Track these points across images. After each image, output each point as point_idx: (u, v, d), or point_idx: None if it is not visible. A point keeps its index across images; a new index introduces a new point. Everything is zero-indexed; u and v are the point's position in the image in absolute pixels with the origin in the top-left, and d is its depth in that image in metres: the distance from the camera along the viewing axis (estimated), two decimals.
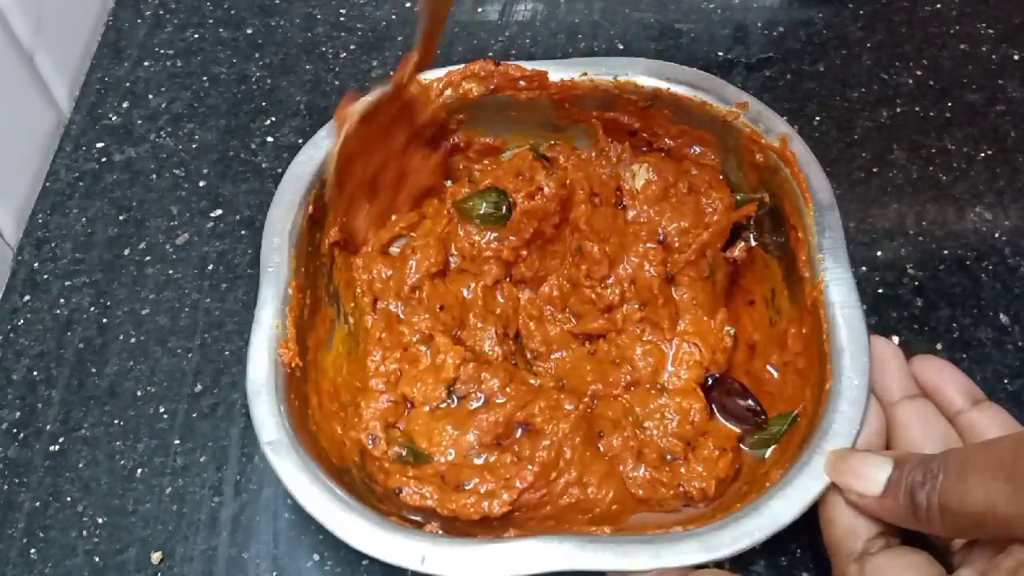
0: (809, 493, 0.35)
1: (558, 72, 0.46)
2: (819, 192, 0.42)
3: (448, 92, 0.47)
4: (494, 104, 0.48)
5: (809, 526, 0.35)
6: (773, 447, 0.40)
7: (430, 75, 0.46)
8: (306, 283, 0.42)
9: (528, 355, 0.45)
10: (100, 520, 0.42)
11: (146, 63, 0.59)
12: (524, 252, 0.45)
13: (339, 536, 0.34)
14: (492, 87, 0.47)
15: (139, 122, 0.56)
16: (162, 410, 0.45)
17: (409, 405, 0.42)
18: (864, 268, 0.48)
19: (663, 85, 0.46)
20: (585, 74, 0.46)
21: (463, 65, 0.46)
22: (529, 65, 0.46)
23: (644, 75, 0.46)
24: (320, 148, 0.44)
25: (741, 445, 0.41)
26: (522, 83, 0.47)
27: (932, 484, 0.31)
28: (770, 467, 0.39)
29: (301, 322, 0.41)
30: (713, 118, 0.45)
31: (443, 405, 0.42)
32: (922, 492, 0.32)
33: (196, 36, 0.60)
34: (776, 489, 0.35)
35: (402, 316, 0.45)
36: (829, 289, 0.39)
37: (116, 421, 0.45)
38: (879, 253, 0.49)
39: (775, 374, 0.43)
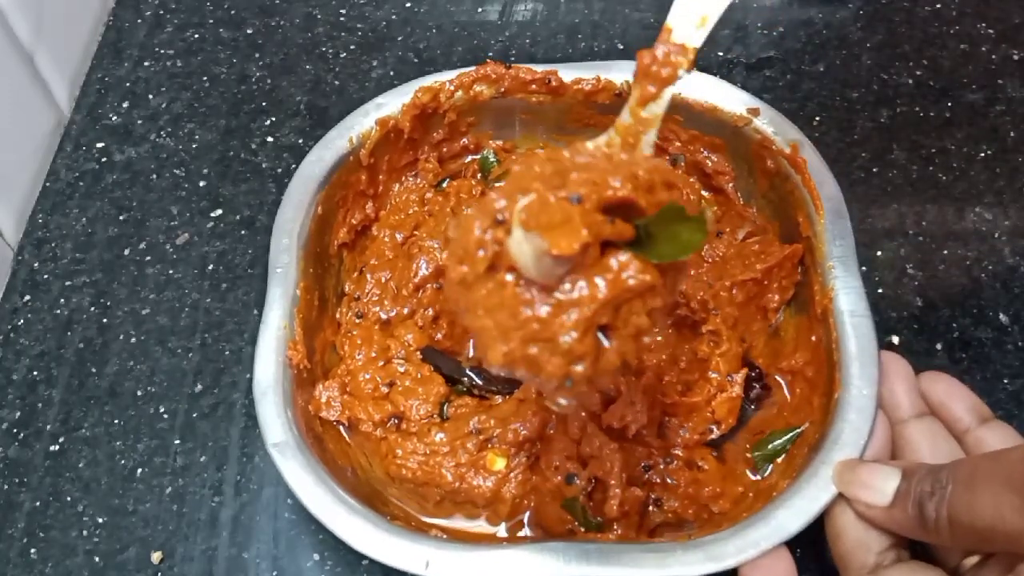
0: (816, 503, 0.34)
1: (569, 75, 0.46)
2: (830, 200, 0.41)
3: (459, 94, 0.47)
4: (504, 107, 0.47)
5: (812, 530, 0.35)
6: (775, 462, 0.40)
7: (440, 77, 0.46)
8: (314, 284, 0.42)
9: None
10: (100, 520, 0.42)
11: (146, 63, 0.59)
12: None
13: (345, 540, 0.34)
14: (503, 90, 0.47)
15: (139, 122, 0.56)
16: (162, 410, 0.45)
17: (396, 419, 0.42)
18: (864, 268, 0.48)
19: (674, 90, 0.45)
20: (597, 77, 0.46)
21: (474, 67, 0.46)
22: (540, 68, 0.46)
23: None
24: (330, 149, 0.44)
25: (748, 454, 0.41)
26: (533, 86, 0.46)
27: (941, 495, 0.31)
28: (777, 477, 0.38)
29: (309, 323, 0.41)
30: (724, 124, 0.45)
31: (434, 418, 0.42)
32: (931, 503, 0.31)
33: (196, 36, 0.60)
34: (783, 499, 0.34)
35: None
36: (839, 297, 0.39)
37: (116, 421, 0.45)
38: (879, 253, 0.49)
39: (783, 384, 0.42)
